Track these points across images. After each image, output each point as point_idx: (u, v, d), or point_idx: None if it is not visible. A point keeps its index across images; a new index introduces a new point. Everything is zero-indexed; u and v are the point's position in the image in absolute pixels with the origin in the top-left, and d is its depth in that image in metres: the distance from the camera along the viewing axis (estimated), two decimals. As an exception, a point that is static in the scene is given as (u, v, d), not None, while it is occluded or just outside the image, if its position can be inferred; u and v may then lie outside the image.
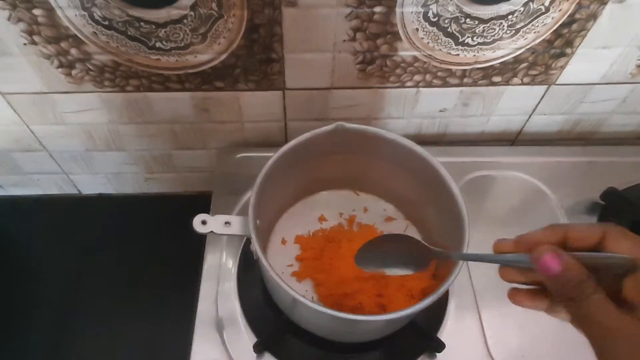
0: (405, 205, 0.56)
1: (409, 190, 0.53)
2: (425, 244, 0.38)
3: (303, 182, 0.55)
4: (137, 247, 0.72)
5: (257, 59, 0.53)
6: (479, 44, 0.53)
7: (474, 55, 0.54)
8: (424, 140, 0.66)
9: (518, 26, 0.51)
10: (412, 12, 0.49)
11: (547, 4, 0.49)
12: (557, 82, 0.59)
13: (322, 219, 0.57)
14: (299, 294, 0.37)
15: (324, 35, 0.50)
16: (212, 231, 0.40)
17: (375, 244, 0.41)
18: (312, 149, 0.47)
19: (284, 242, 0.55)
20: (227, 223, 0.41)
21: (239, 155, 0.65)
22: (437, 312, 0.52)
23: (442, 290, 0.38)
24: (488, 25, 0.50)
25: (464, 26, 0.51)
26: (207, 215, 0.40)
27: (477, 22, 0.50)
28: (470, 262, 0.52)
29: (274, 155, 0.45)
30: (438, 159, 0.46)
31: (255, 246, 0.39)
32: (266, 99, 0.58)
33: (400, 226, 0.57)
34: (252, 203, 0.41)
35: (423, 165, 0.46)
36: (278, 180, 0.46)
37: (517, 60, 0.55)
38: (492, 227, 0.54)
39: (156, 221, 0.74)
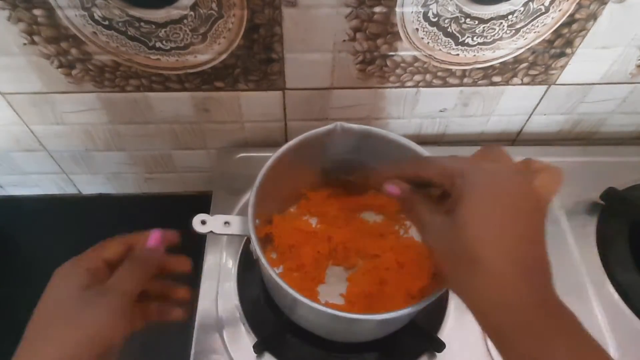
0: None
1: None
2: None
3: (303, 181, 0.54)
4: (137, 247, 0.72)
5: (257, 59, 0.53)
6: (479, 44, 0.53)
7: (474, 55, 0.54)
8: (424, 140, 0.66)
9: (518, 26, 0.51)
10: (412, 12, 0.49)
11: (547, 4, 0.49)
12: (557, 82, 0.59)
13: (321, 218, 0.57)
14: (299, 294, 0.37)
15: (324, 35, 0.50)
16: (211, 231, 0.40)
17: None
18: (311, 149, 0.47)
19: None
20: (226, 223, 0.41)
21: (239, 155, 0.65)
22: (437, 312, 0.52)
23: (442, 290, 0.38)
24: (488, 25, 0.50)
25: (464, 26, 0.51)
26: (207, 215, 0.40)
27: (477, 22, 0.50)
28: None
29: (273, 156, 0.45)
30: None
31: (255, 246, 0.39)
32: (266, 99, 0.58)
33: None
34: (251, 203, 0.41)
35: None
36: (278, 180, 0.46)
37: (517, 60, 0.55)
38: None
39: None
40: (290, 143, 0.46)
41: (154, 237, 0.37)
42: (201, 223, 0.41)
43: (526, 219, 0.30)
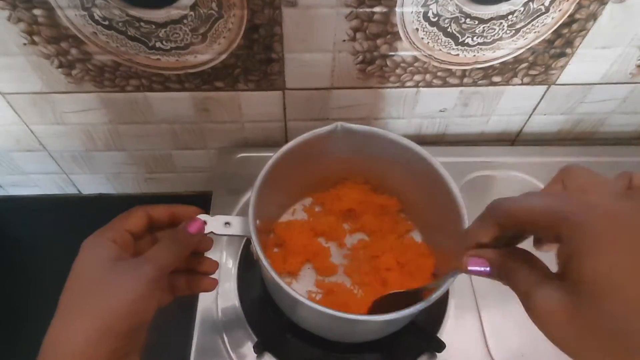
0: (405, 204, 0.56)
1: (408, 189, 0.52)
2: (412, 289, 0.40)
3: (303, 182, 0.55)
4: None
5: (257, 59, 0.53)
6: (479, 44, 0.53)
7: (474, 55, 0.54)
8: (424, 140, 0.66)
9: (518, 26, 0.51)
10: (412, 12, 0.49)
11: (547, 4, 0.49)
12: (557, 82, 0.59)
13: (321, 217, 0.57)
14: (299, 294, 0.37)
15: (324, 35, 0.50)
16: (212, 232, 0.40)
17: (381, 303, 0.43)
18: (311, 149, 0.47)
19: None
20: (227, 223, 0.41)
21: (239, 155, 0.65)
22: (437, 312, 0.52)
23: (441, 290, 0.38)
24: (488, 25, 0.50)
25: (464, 26, 0.51)
26: (207, 215, 0.40)
27: (477, 22, 0.50)
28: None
29: (273, 156, 0.45)
30: (438, 159, 0.46)
31: (256, 246, 0.39)
32: (266, 99, 0.58)
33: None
34: (252, 203, 0.41)
35: (422, 165, 0.46)
36: (278, 180, 0.46)
37: (517, 60, 0.55)
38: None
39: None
40: (291, 143, 0.46)
41: (197, 226, 0.37)
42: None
43: None
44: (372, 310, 0.44)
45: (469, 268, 0.27)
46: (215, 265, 0.41)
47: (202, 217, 0.39)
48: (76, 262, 0.33)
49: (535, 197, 0.25)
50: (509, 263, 0.26)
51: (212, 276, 0.41)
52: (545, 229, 0.24)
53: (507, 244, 0.28)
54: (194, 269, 0.40)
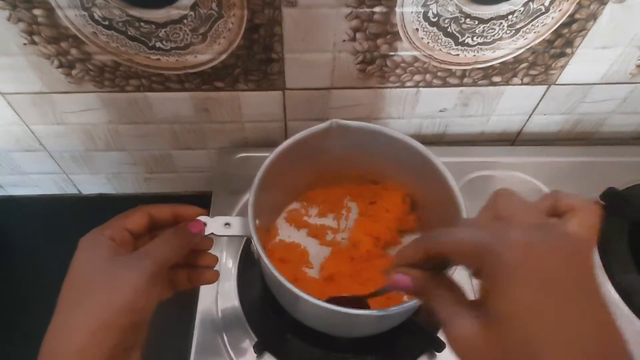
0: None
1: (406, 184, 0.53)
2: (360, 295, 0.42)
3: (302, 180, 0.55)
4: (137, 247, 0.72)
5: (257, 59, 0.53)
6: (479, 44, 0.53)
7: (474, 55, 0.54)
8: (424, 140, 0.65)
9: (518, 26, 0.51)
10: (412, 12, 0.49)
11: (547, 4, 0.49)
12: (557, 82, 0.59)
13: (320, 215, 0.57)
14: (301, 291, 0.37)
15: (324, 35, 0.50)
16: (212, 233, 0.40)
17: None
18: (308, 147, 0.48)
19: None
20: (227, 224, 0.41)
21: (239, 155, 0.65)
22: (437, 312, 0.52)
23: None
24: (488, 25, 0.50)
25: (464, 26, 0.51)
26: (207, 217, 0.40)
27: (477, 22, 0.50)
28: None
29: (270, 155, 0.45)
30: (430, 151, 0.46)
31: (257, 246, 0.39)
32: (266, 99, 0.58)
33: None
34: (250, 203, 0.42)
35: (420, 161, 0.46)
36: (276, 179, 0.46)
37: (517, 60, 0.55)
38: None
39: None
40: (287, 142, 0.46)
41: (199, 227, 0.37)
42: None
43: (579, 290, 0.23)
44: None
45: (394, 282, 0.29)
46: (216, 259, 0.41)
47: (202, 218, 0.39)
48: (74, 259, 0.33)
49: (462, 229, 0.27)
50: (432, 285, 0.29)
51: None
52: (468, 261, 0.26)
53: (436, 268, 0.29)
54: (194, 264, 0.40)
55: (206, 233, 0.40)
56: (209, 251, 0.41)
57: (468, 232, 0.26)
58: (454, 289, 0.28)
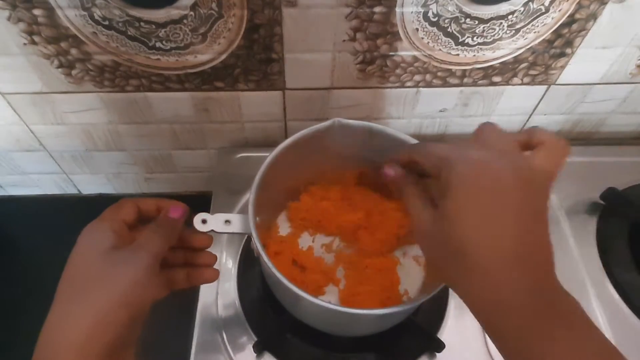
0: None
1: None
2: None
3: (302, 178, 0.55)
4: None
5: (257, 59, 0.53)
6: (479, 44, 0.53)
7: (474, 55, 0.54)
8: (424, 140, 0.66)
9: (518, 26, 0.51)
10: (412, 12, 0.49)
11: (547, 4, 0.49)
12: (557, 82, 0.59)
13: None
14: (301, 290, 0.37)
15: (324, 35, 0.50)
16: (212, 230, 0.40)
17: None
18: (310, 145, 0.47)
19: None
20: (227, 221, 0.41)
21: (239, 155, 0.65)
22: (437, 312, 0.52)
23: (442, 286, 0.38)
24: (488, 25, 0.50)
25: (464, 26, 0.51)
26: (207, 214, 0.40)
27: (477, 22, 0.50)
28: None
29: (272, 152, 0.45)
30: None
31: (257, 243, 0.39)
32: (266, 99, 0.58)
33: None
34: (251, 201, 0.42)
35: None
36: (277, 177, 0.46)
37: (517, 60, 0.55)
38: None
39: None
40: (289, 140, 0.46)
41: (179, 209, 0.38)
42: (202, 222, 0.41)
43: (521, 204, 0.28)
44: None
45: (384, 171, 0.37)
46: (215, 257, 0.41)
47: (203, 215, 0.39)
48: (74, 252, 0.33)
49: (440, 144, 0.32)
50: (410, 184, 0.35)
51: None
52: (433, 168, 0.32)
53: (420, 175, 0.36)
54: (193, 263, 0.40)
55: (206, 230, 0.40)
56: (209, 250, 0.41)
57: (440, 146, 0.32)
58: (425, 191, 0.34)
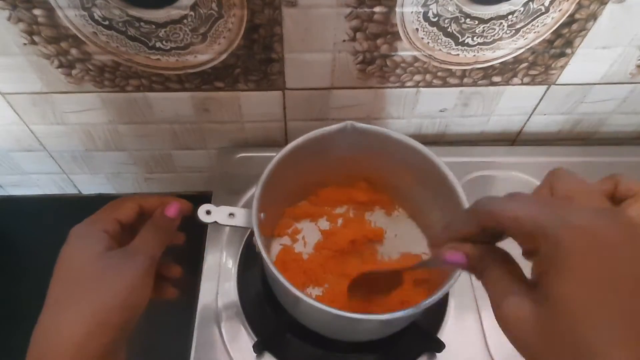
0: (409, 204, 0.56)
1: (414, 190, 0.52)
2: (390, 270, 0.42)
3: (309, 179, 0.55)
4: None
5: (257, 59, 0.53)
6: (479, 44, 0.53)
7: (474, 55, 0.54)
8: (424, 140, 0.65)
9: (518, 26, 0.51)
10: (412, 12, 0.49)
11: (547, 4, 0.49)
12: (557, 82, 0.59)
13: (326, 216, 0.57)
14: (299, 290, 0.37)
15: (324, 35, 0.50)
16: (215, 221, 0.40)
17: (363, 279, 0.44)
18: (319, 146, 0.48)
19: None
20: (231, 214, 0.41)
21: (239, 155, 0.65)
22: (437, 312, 0.52)
23: (444, 290, 0.38)
24: (488, 25, 0.50)
25: (464, 26, 0.51)
26: (212, 205, 0.40)
27: (477, 22, 0.50)
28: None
29: (281, 151, 0.45)
30: (441, 160, 0.46)
31: (258, 240, 0.39)
32: (266, 99, 0.58)
33: (404, 225, 0.57)
34: (256, 196, 0.42)
35: (429, 167, 0.46)
36: (284, 176, 0.46)
37: (517, 60, 0.55)
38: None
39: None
40: (301, 139, 0.46)
41: (174, 208, 0.37)
42: (206, 213, 0.41)
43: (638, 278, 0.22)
44: (350, 290, 0.45)
45: (447, 258, 0.28)
46: (179, 270, 0.40)
47: (207, 206, 0.40)
48: (65, 252, 0.32)
49: (521, 203, 0.25)
50: (486, 260, 0.27)
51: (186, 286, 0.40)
52: (525, 238, 0.24)
53: (488, 241, 0.28)
54: (159, 272, 0.38)
55: (210, 221, 0.40)
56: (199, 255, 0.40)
57: (526, 207, 0.24)
58: (508, 264, 0.27)
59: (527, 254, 0.25)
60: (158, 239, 0.35)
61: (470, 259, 0.27)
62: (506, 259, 0.27)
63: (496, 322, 0.25)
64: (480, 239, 0.28)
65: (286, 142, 0.46)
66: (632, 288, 0.21)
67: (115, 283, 0.31)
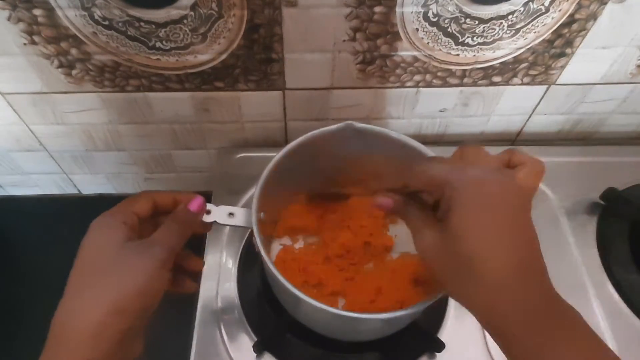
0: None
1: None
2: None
3: (308, 180, 0.54)
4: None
5: (257, 59, 0.53)
6: (479, 44, 0.53)
7: (474, 55, 0.54)
8: (424, 140, 0.65)
9: (518, 26, 0.51)
10: (412, 12, 0.49)
11: (547, 4, 0.49)
12: (557, 82, 0.59)
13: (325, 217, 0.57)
14: (299, 291, 0.37)
15: (324, 35, 0.50)
16: (215, 221, 0.40)
17: None
18: (319, 146, 0.47)
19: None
20: (230, 214, 0.41)
21: (239, 155, 0.65)
22: (437, 312, 0.52)
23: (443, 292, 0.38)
24: (488, 25, 0.50)
25: (464, 26, 0.51)
26: (212, 204, 0.40)
27: (477, 22, 0.50)
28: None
29: (280, 151, 0.45)
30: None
31: (257, 238, 0.39)
32: (266, 99, 0.58)
33: (404, 225, 0.56)
34: (256, 195, 0.42)
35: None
36: (284, 176, 0.46)
37: (517, 60, 0.55)
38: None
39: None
40: (300, 139, 0.46)
41: (197, 203, 0.38)
42: (206, 213, 0.41)
43: (514, 218, 0.30)
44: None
45: (379, 202, 0.37)
46: (201, 264, 0.41)
47: (207, 206, 0.40)
48: (86, 242, 0.34)
49: (434, 167, 0.33)
50: (408, 205, 0.36)
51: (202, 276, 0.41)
52: (436, 189, 0.33)
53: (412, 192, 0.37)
54: (180, 265, 0.40)
55: (210, 221, 0.40)
56: (206, 252, 0.40)
57: (436, 169, 0.33)
58: (424, 209, 0.36)
59: (437, 201, 0.34)
60: (178, 232, 0.36)
61: (396, 203, 0.37)
62: (422, 204, 0.36)
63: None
64: (404, 192, 0.37)
65: (286, 142, 0.46)
66: (502, 215, 0.30)
67: (131, 271, 0.32)
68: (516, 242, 0.30)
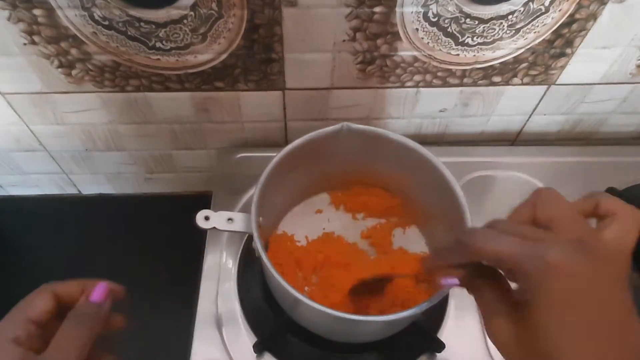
0: (408, 205, 0.56)
1: (412, 191, 0.52)
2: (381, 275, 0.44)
3: (307, 182, 0.54)
4: (137, 247, 0.72)
5: (257, 59, 0.53)
6: (479, 44, 0.53)
7: (474, 55, 0.54)
8: (424, 140, 0.66)
9: (518, 26, 0.51)
10: (412, 12, 0.49)
11: (547, 4, 0.49)
12: (557, 82, 0.59)
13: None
14: (300, 293, 0.37)
15: (324, 35, 0.50)
16: (214, 227, 0.40)
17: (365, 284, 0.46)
18: (316, 148, 0.47)
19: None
20: (229, 219, 0.41)
21: (239, 155, 0.65)
22: (437, 312, 0.52)
23: (444, 290, 0.38)
24: (488, 25, 0.50)
25: (464, 26, 0.51)
26: (211, 211, 0.40)
27: (477, 22, 0.50)
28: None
29: (278, 154, 0.45)
30: (438, 159, 0.46)
31: (257, 243, 0.39)
32: (266, 99, 0.58)
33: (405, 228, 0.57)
34: (255, 200, 0.42)
35: (427, 167, 0.46)
36: (281, 179, 0.46)
37: (517, 60, 0.55)
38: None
39: (156, 221, 0.74)
40: (297, 142, 0.46)
41: (100, 291, 0.32)
42: (204, 219, 0.41)
43: (611, 303, 0.25)
44: (351, 298, 0.46)
45: (443, 283, 0.32)
46: (123, 322, 0.35)
47: (206, 212, 0.39)
48: None
49: (501, 239, 0.27)
50: (476, 280, 0.30)
51: None
52: (507, 272, 0.29)
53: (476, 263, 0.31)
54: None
55: (209, 227, 0.40)
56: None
57: (506, 243, 0.27)
58: (498, 284, 0.30)
59: (510, 278, 0.29)
60: (81, 335, 0.30)
61: (462, 280, 0.31)
62: (494, 275, 0.30)
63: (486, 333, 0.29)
64: (468, 264, 0.31)
65: (286, 143, 0.46)
66: (593, 312, 0.25)
67: None
68: (607, 342, 0.25)
